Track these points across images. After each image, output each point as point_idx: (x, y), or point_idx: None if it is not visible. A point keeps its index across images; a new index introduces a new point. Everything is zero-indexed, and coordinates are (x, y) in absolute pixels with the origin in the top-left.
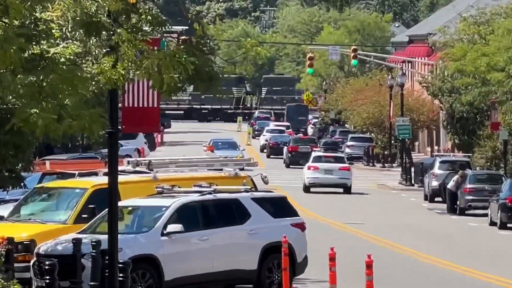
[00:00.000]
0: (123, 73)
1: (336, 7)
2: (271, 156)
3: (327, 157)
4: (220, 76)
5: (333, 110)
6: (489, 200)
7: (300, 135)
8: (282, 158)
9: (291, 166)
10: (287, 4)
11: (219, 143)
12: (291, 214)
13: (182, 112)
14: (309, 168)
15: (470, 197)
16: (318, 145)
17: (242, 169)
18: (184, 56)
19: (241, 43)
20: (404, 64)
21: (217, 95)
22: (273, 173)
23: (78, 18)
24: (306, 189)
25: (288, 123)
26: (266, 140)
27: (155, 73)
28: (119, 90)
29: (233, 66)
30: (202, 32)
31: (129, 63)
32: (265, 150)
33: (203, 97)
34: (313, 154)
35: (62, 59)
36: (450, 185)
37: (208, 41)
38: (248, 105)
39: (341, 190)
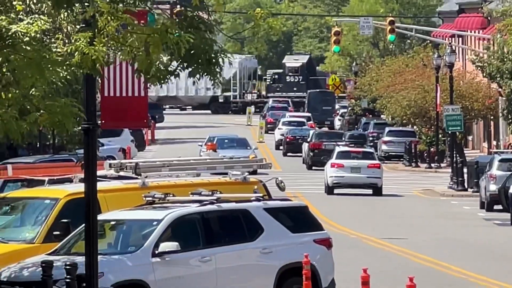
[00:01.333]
0: (104, 50)
1: None
2: (288, 154)
3: (353, 152)
4: (222, 58)
5: (365, 98)
6: None
7: (325, 129)
8: (301, 156)
9: (313, 168)
10: None
11: (225, 141)
12: (314, 228)
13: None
14: (332, 165)
15: None
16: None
17: (254, 173)
18: (177, 33)
19: (248, 14)
20: (453, 39)
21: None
22: (291, 177)
23: None
24: (329, 190)
25: (309, 114)
26: (282, 135)
27: (142, 52)
28: (97, 75)
29: (238, 43)
30: (198, 2)
31: (110, 40)
32: (281, 147)
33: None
34: (337, 149)
35: (26, 38)
36: None
37: (207, 14)
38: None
39: (370, 191)
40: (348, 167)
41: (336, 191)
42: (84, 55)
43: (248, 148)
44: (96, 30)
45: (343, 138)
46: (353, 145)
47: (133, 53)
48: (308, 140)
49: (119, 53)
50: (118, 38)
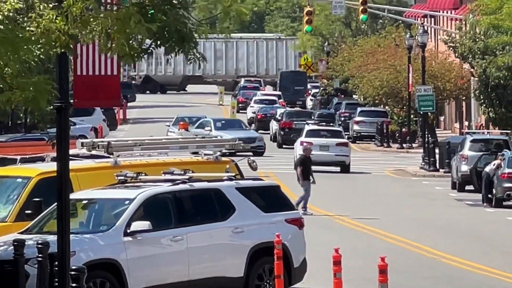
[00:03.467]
0: (64, 29)
1: None
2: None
3: (322, 131)
4: (196, 35)
5: (337, 78)
6: None
7: (296, 108)
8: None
9: (284, 146)
10: None
11: (222, 122)
12: (286, 208)
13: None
14: (301, 143)
15: (509, 185)
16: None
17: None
18: (150, 13)
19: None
20: (425, 19)
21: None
22: (263, 156)
23: None
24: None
25: (279, 93)
26: (254, 113)
27: (104, 36)
28: (70, 54)
29: (207, 27)
30: None
31: (73, 22)
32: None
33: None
34: (306, 127)
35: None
36: (489, 168)
37: None
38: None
39: (338, 169)
40: (317, 145)
41: None
42: (47, 31)
43: (247, 128)
44: (63, 9)
45: (313, 117)
46: (322, 123)
47: (95, 37)
48: (279, 118)
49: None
50: (82, 20)
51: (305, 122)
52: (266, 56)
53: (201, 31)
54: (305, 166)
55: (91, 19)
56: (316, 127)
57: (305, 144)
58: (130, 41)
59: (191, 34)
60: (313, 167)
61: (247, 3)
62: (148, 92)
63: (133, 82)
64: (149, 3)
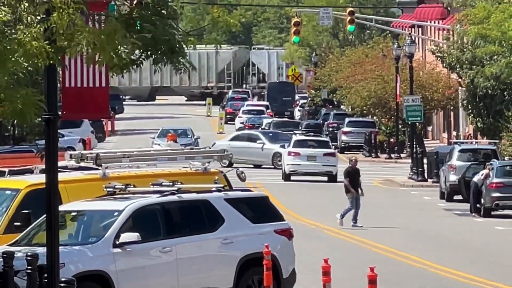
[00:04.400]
0: (46, 47)
1: None
2: None
3: (309, 141)
4: (184, 47)
5: (325, 88)
6: None
7: (284, 119)
8: None
9: None
10: None
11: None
12: (275, 218)
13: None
14: (289, 154)
15: (497, 195)
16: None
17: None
18: (138, 25)
19: (206, 10)
20: (413, 29)
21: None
22: (251, 167)
23: None
24: (286, 177)
25: (267, 103)
26: (242, 123)
27: (90, 50)
28: (58, 65)
29: (195, 38)
30: None
31: (60, 35)
32: None
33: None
34: (294, 138)
35: None
36: (477, 178)
37: (166, 5)
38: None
39: (325, 178)
40: (304, 155)
41: (293, 177)
42: (31, 48)
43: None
44: (49, 23)
45: (300, 128)
46: (311, 133)
47: (81, 51)
48: (266, 129)
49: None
50: (67, 34)
51: (292, 132)
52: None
53: (190, 41)
54: (352, 178)
55: (78, 33)
56: (303, 137)
57: (352, 157)
58: (118, 52)
59: (180, 44)
60: (301, 177)
61: (235, 14)
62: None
63: None
64: (137, 14)
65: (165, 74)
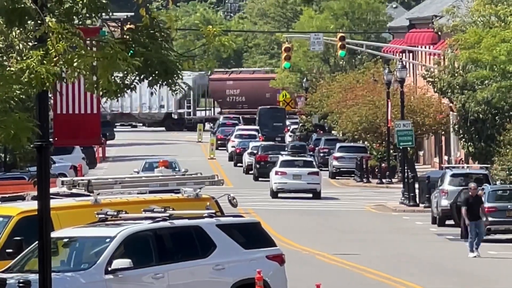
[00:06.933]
0: (54, 70)
1: None
2: (238, 164)
3: (295, 161)
4: (180, 67)
5: (316, 114)
6: None
7: (271, 142)
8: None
9: (260, 179)
10: None
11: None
12: (267, 244)
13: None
14: (276, 173)
15: (490, 219)
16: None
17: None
18: (132, 49)
19: (201, 31)
20: (404, 54)
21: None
22: (242, 192)
23: None
24: (274, 194)
25: (257, 127)
26: (233, 147)
27: (90, 74)
28: (50, 92)
29: (190, 61)
30: (148, 21)
31: (58, 59)
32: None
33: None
34: (280, 158)
35: None
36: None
37: (159, 29)
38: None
39: (310, 195)
40: (290, 174)
41: (280, 195)
42: (35, 73)
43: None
44: (46, 48)
45: (286, 149)
46: (296, 154)
47: (80, 75)
48: (254, 152)
49: (68, 72)
50: (66, 58)
51: (280, 154)
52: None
53: (185, 63)
54: (471, 207)
55: (76, 57)
56: (289, 157)
57: (471, 184)
58: (112, 77)
59: (175, 65)
60: (288, 194)
61: (228, 38)
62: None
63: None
64: (130, 38)
65: (126, 100)
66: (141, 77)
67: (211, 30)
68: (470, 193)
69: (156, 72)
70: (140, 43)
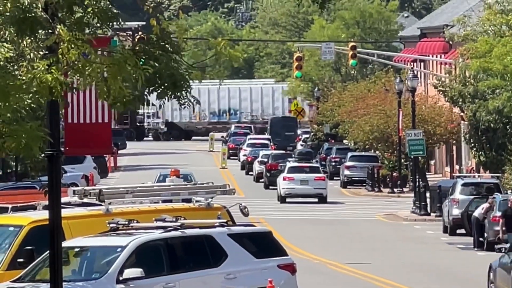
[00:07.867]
0: (61, 79)
1: None
2: (250, 173)
3: (302, 167)
4: (189, 79)
5: (327, 123)
6: None
7: (282, 151)
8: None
9: (270, 187)
10: None
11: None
12: (278, 253)
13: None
14: (284, 178)
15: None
16: (293, 155)
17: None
18: (142, 60)
19: (210, 43)
20: (415, 64)
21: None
22: (253, 201)
23: (8, 13)
24: (282, 199)
25: (269, 136)
26: (245, 155)
27: (101, 81)
28: (61, 101)
29: (200, 72)
30: (159, 31)
31: (69, 68)
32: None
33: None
34: (288, 164)
35: None
36: (477, 213)
37: (169, 40)
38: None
39: (316, 199)
40: (297, 180)
41: (288, 199)
42: (42, 82)
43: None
44: (57, 57)
45: (293, 155)
46: (302, 160)
47: (92, 83)
48: (265, 161)
49: (80, 80)
50: (77, 66)
51: (287, 161)
52: None
53: (193, 75)
54: (509, 219)
55: (87, 65)
56: (296, 164)
57: (511, 197)
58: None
59: (184, 78)
60: (294, 199)
61: (236, 50)
62: None
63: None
64: (140, 49)
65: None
66: (150, 89)
67: (220, 42)
68: (509, 204)
69: (166, 84)
70: (151, 56)
